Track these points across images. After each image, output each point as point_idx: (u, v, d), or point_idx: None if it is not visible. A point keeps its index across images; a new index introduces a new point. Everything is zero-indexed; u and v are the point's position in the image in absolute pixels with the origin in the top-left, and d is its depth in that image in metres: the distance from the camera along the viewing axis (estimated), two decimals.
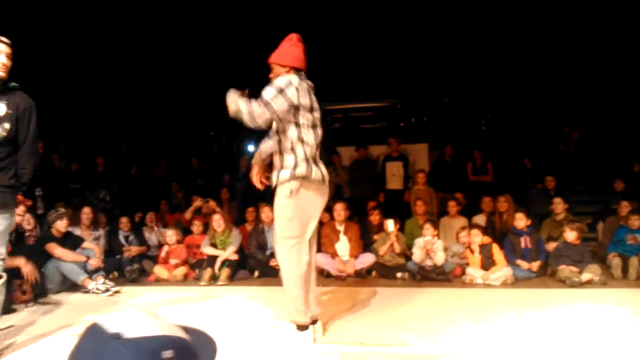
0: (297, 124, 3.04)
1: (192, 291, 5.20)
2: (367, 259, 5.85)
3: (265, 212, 6.21)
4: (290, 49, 3.17)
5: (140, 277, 5.97)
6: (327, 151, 8.70)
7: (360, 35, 9.88)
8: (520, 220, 5.79)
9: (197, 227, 6.53)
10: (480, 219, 6.48)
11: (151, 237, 6.85)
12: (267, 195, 6.89)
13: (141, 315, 0.81)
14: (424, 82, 10.50)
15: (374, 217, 6.43)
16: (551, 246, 5.73)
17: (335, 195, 8.40)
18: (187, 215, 7.14)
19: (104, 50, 9.51)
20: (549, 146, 8.73)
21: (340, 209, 6.04)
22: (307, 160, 3.07)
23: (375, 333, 3.30)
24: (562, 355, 2.81)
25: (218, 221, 6.12)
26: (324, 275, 5.61)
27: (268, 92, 2.95)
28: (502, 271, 5.30)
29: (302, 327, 3.09)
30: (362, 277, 5.74)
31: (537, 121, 9.58)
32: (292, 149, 3.06)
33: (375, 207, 6.72)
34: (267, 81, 3.12)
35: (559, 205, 6.14)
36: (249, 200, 7.18)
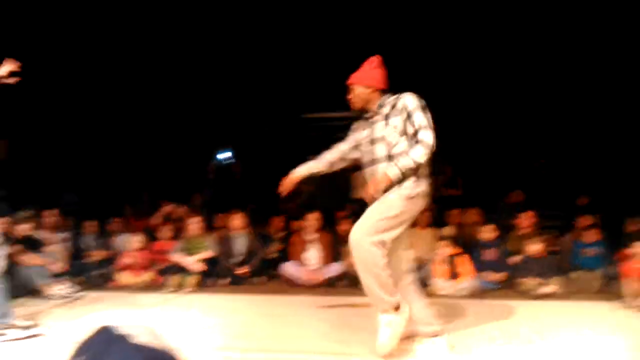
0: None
1: (157, 298, 5.13)
2: (336, 268, 5.87)
3: (233, 219, 6.20)
4: (373, 71, 3.28)
5: (106, 282, 5.87)
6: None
7: (346, 46, 9.89)
8: (488, 233, 5.89)
9: (165, 232, 6.45)
10: (448, 231, 6.55)
11: (117, 242, 6.73)
12: (234, 203, 6.93)
13: (150, 329, 0.92)
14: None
15: (343, 227, 6.45)
16: (515, 259, 5.85)
17: (309, 205, 8.42)
18: (155, 220, 7.05)
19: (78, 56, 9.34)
20: (518, 160, 8.93)
21: (313, 219, 6.08)
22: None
23: (335, 345, 3.30)
24: None
25: (195, 224, 6.09)
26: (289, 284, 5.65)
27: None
28: (467, 282, 5.38)
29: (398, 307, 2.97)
30: (331, 285, 5.75)
31: (508, 135, 9.77)
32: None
33: (345, 216, 6.75)
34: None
35: (524, 221, 6.26)
36: (217, 207, 7.16)
